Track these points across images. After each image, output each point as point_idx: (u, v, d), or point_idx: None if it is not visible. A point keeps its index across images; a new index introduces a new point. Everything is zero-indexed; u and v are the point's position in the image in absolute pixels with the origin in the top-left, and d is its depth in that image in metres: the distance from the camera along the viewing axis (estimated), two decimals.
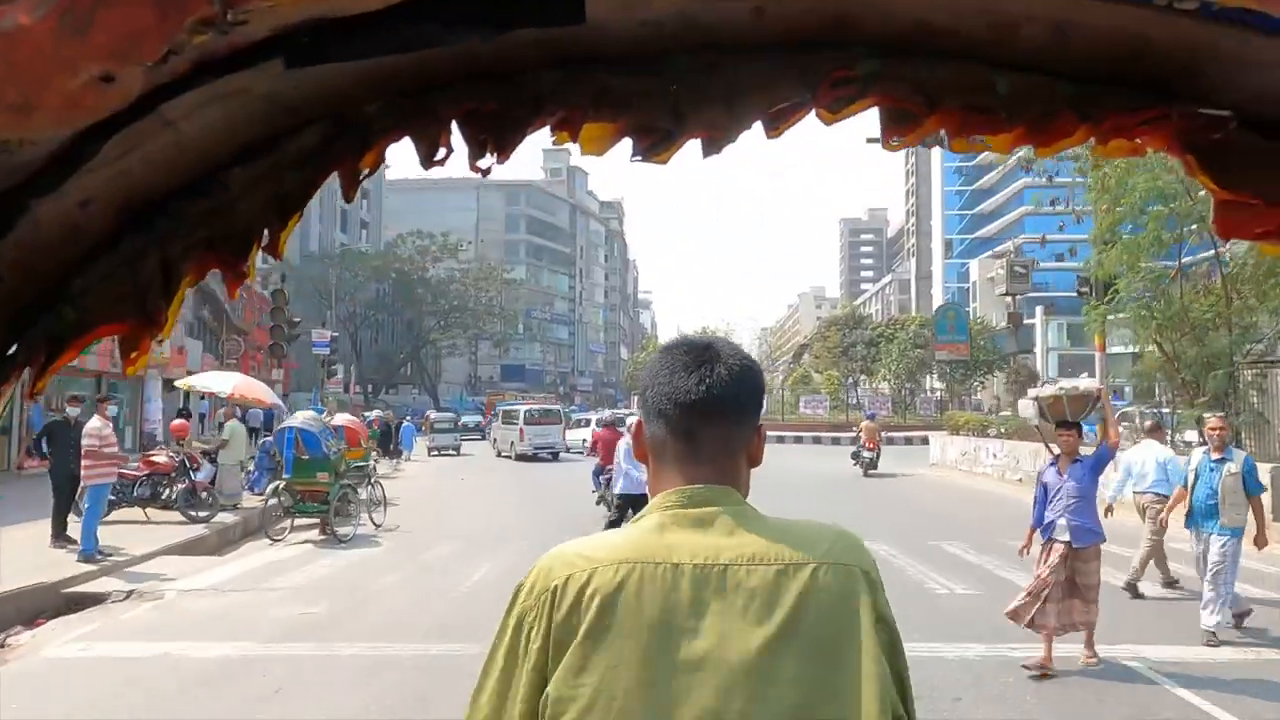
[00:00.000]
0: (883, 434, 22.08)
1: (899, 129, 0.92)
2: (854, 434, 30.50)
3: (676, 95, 0.83)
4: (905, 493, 17.00)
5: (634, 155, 0.81)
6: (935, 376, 41.31)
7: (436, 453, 31.16)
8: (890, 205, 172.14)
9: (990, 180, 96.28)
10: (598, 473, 13.79)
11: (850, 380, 53.36)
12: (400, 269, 65.13)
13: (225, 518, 11.48)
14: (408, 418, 34.18)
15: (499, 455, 29.10)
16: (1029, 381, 29.07)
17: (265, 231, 0.78)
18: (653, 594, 0.92)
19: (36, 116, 0.67)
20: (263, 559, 9.79)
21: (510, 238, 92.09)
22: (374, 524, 12.05)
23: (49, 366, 0.84)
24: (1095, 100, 0.89)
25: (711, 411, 1.02)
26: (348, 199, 0.79)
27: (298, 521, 11.15)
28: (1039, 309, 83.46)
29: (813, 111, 0.94)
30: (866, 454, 20.16)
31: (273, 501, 10.79)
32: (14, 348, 0.80)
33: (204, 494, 11.40)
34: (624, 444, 9.52)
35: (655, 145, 0.81)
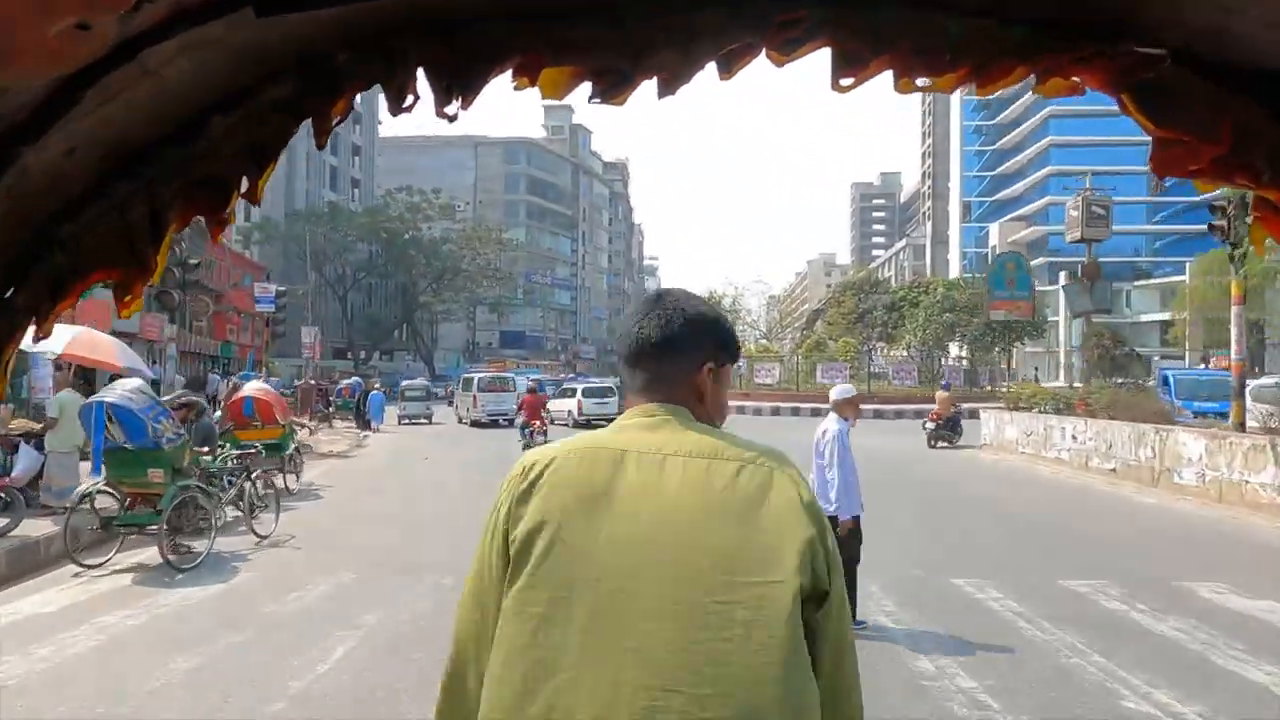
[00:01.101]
0: (957, 406, 19.04)
1: (847, 70, 0.96)
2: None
3: (633, 42, 0.89)
4: (1014, 492, 13.62)
5: (591, 97, 0.88)
6: (964, 343, 37.58)
7: (408, 421, 29.31)
8: (904, 169, 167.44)
9: (1013, 140, 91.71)
10: (523, 427, 18.67)
11: (867, 348, 49.82)
12: (390, 228, 61.43)
13: (39, 527, 8.09)
14: (376, 385, 30.86)
15: (459, 421, 29.10)
16: (1113, 346, 25.60)
17: (244, 179, 0.82)
18: (597, 465, 1.14)
19: (14, 65, 0.68)
20: (33, 606, 6.42)
21: (510, 198, 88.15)
22: (256, 536, 8.66)
23: (52, 310, 0.90)
24: (1040, 44, 0.93)
25: (646, 350, 1.24)
26: (320, 145, 0.85)
27: (133, 536, 7.75)
28: (1062, 274, 79.54)
29: (764, 53, 1.00)
30: (932, 426, 18.02)
31: (84, 510, 7.37)
32: (10, 293, 0.84)
33: (1, 494, 8.02)
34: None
35: (611, 88, 0.87)
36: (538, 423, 19.03)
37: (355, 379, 35.92)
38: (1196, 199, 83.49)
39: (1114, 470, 12.81)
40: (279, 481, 10.76)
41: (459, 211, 68.71)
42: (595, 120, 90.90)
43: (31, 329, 0.95)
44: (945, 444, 18.34)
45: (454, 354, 79.05)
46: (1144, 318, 78.45)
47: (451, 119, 0.90)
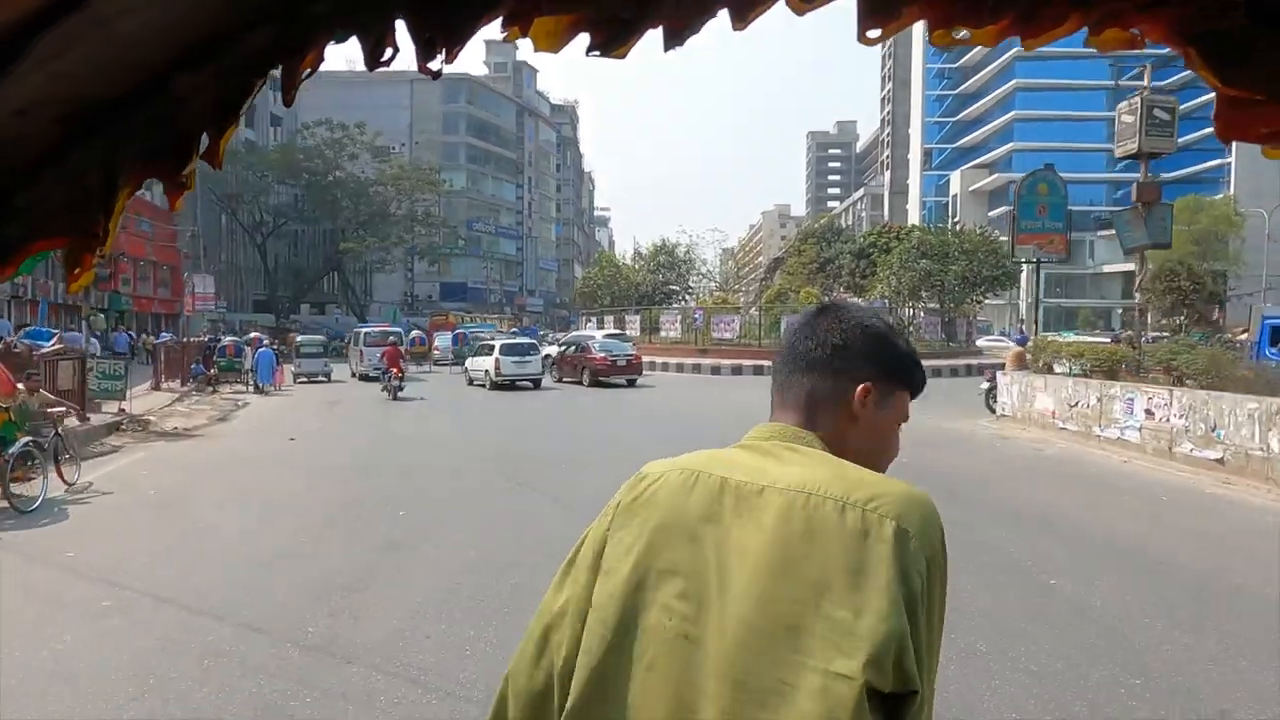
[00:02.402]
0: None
1: (877, 19, 0.84)
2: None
3: None
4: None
5: (590, 50, 0.78)
6: (938, 294, 34.14)
7: (305, 380, 27.15)
8: (860, 118, 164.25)
9: (976, 84, 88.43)
10: (384, 373, 21.61)
11: (830, 298, 46.38)
12: (311, 167, 55.70)
13: None
14: (265, 342, 26.59)
15: (351, 375, 28.54)
16: (1189, 289, 22.11)
17: (204, 137, 0.77)
18: (698, 494, 1.04)
19: None
20: None
21: (448, 140, 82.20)
22: None
23: None
24: None
25: (795, 365, 1.14)
26: (288, 102, 0.79)
27: None
28: (982, 237, 77.35)
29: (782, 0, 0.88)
30: (987, 385, 15.32)
31: None
32: None
33: None
34: None
35: (613, 38, 0.78)
36: (395, 370, 21.38)
37: (256, 333, 31.40)
38: None
39: (1221, 461, 9.26)
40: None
41: (394, 154, 63.10)
42: (541, 59, 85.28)
43: None
44: (994, 403, 15.04)
45: (391, 307, 73.81)
46: (1106, 269, 76.73)
47: (435, 75, 0.80)
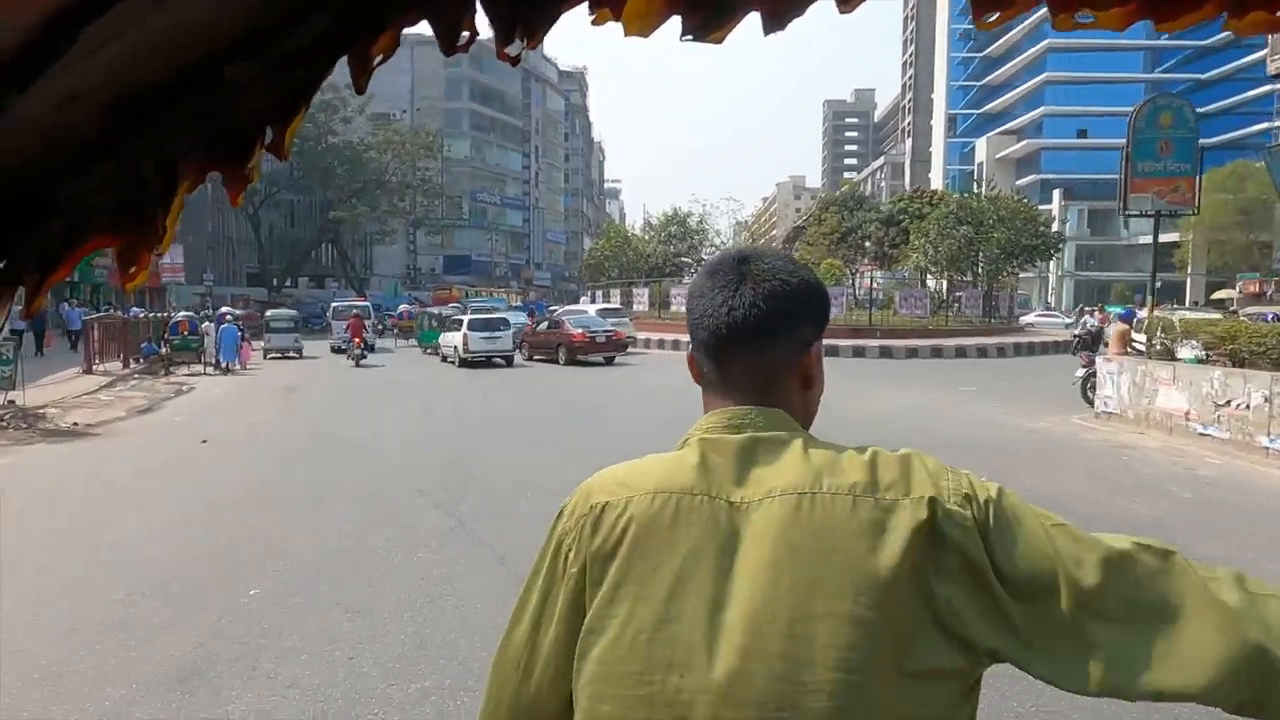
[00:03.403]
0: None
1: (994, 3, 0.80)
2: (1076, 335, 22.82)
3: None
4: None
5: (684, 34, 0.73)
6: (980, 264, 30.88)
7: (276, 355, 26.57)
8: (879, 86, 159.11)
9: (1003, 46, 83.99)
10: (348, 344, 23.87)
11: (854, 270, 43.20)
12: (302, 132, 52.66)
13: None
14: (229, 318, 23.99)
15: (332, 351, 28.10)
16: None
17: (268, 129, 0.72)
18: (687, 526, 0.88)
19: None
20: None
21: (451, 105, 78.79)
22: None
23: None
24: None
25: (738, 337, 0.96)
26: (359, 90, 0.74)
27: None
28: (1056, 193, 73.21)
29: None
30: (1083, 373, 12.48)
31: None
32: (3, 264, 0.75)
33: None
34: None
35: (710, 20, 0.72)
36: (357, 340, 23.24)
37: (226, 308, 28.69)
38: (1200, 110, 77.68)
39: None
40: None
41: (394, 120, 59.88)
42: None
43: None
44: (1093, 394, 12.17)
45: (392, 281, 71.06)
46: (1142, 239, 72.76)
47: (514, 61, 0.75)
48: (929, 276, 31.81)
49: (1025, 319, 35.82)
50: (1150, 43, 77.55)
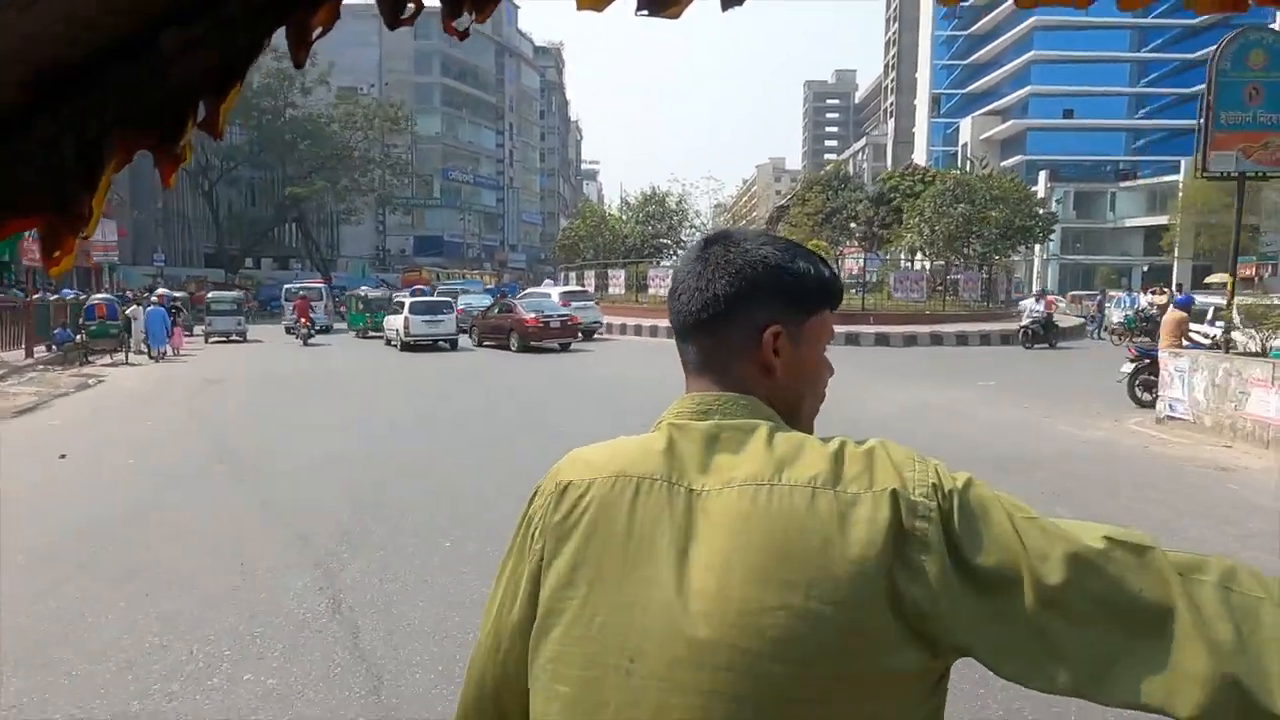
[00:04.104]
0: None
1: None
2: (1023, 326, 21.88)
3: None
4: None
5: (639, 9, 0.69)
6: (978, 245, 29.00)
7: (219, 339, 25.55)
8: (860, 67, 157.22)
9: (989, 23, 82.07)
10: (295, 324, 24.73)
11: (840, 251, 41.29)
12: (259, 104, 49.66)
13: None
14: (152, 301, 21.78)
15: (287, 332, 27.17)
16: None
17: (201, 104, 0.67)
18: (645, 512, 0.86)
19: None
20: None
21: (421, 80, 75.84)
22: None
23: None
24: None
25: (695, 319, 0.94)
26: (298, 63, 0.70)
27: None
28: (1042, 174, 71.64)
29: None
30: (1131, 368, 10.79)
31: None
32: None
33: None
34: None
35: None
36: (304, 320, 24.07)
37: (162, 290, 26.25)
38: (1186, 91, 76.05)
39: None
40: None
41: (361, 95, 56.92)
42: None
43: None
44: (1146, 394, 10.49)
45: (359, 262, 68.36)
46: (1128, 222, 71.52)
47: (462, 35, 0.70)
48: (924, 258, 29.85)
49: (1024, 303, 34.12)
50: (1137, 21, 76.00)
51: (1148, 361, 10.49)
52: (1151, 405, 10.02)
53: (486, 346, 22.53)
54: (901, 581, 0.76)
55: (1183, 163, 61.84)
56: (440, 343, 22.27)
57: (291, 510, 6.45)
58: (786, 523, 0.80)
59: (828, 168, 63.63)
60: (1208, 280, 51.25)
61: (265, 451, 8.80)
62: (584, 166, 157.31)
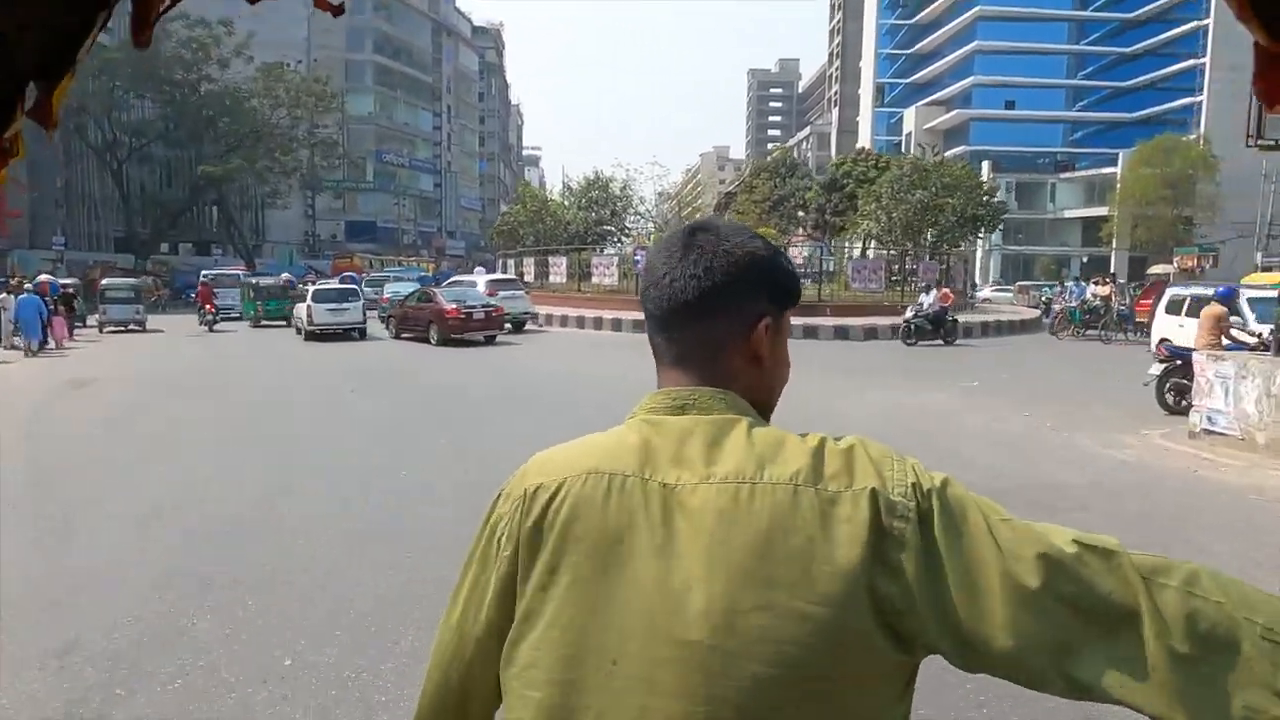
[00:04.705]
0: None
1: None
2: (906, 321, 19.83)
3: None
4: None
5: None
6: (935, 233, 27.86)
7: (117, 329, 24.11)
8: (803, 56, 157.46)
9: (933, 12, 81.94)
10: (201, 310, 24.52)
11: (789, 239, 40.02)
12: (170, 76, 46.04)
13: None
14: (27, 288, 19.44)
15: (200, 323, 25.72)
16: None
17: (30, 89, 0.60)
18: (623, 510, 0.83)
19: None
20: None
21: (352, 57, 72.30)
22: None
23: None
24: None
25: (679, 310, 0.92)
26: (140, 43, 0.63)
27: None
28: (985, 164, 71.69)
29: None
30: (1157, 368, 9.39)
31: None
32: None
33: None
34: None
35: None
36: (208, 306, 24.32)
37: (45, 276, 23.52)
38: (1124, 84, 77.12)
39: None
40: None
41: (288, 71, 53.39)
42: None
43: None
44: (1179, 401, 9.08)
45: (287, 248, 64.85)
46: (1068, 214, 72.14)
47: (337, 11, 0.65)
48: (880, 246, 28.60)
49: (982, 294, 33.27)
50: (1075, 13, 76.69)
51: (1179, 363, 9.12)
52: (1184, 413, 8.63)
53: (405, 339, 20.81)
54: (880, 580, 0.76)
55: (1121, 155, 62.49)
56: (351, 332, 21.51)
57: (90, 583, 4.53)
58: (770, 521, 0.79)
59: (775, 154, 62.42)
60: (1150, 271, 51.60)
61: (93, 491, 6.78)
62: (526, 152, 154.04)
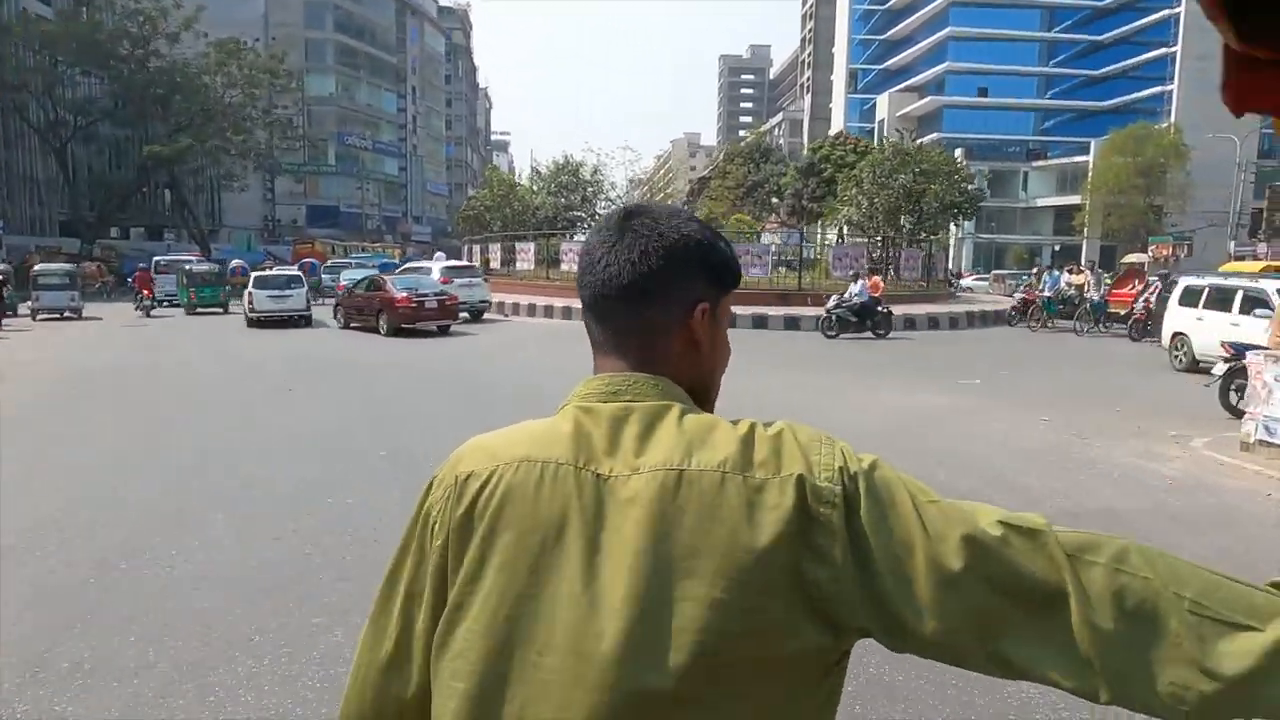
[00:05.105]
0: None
1: None
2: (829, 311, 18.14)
3: None
4: None
5: None
6: (916, 221, 26.88)
7: (51, 316, 23.35)
8: (775, 42, 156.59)
9: None
10: (137, 295, 24.35)
11: (762, 226, 39.00)
12: (116, 51, 43.73)
13: None
14: None
15: (136, 310, 25.09)
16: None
17: None
18: (554, 498, 0.82)
19: None
20: None
21: (312, 35, 69.86)
22: None
23: None
24: None
25: (615, 295, 0.90)
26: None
27: None
28: (958, 152, 71.19)
29: None
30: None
31: None
32: None
33: None
34: None
35: None
36: (146, 292, 24.40)
37: None
38: (1095, 72, 77.07)
39: None
40: None
41: (245, 49, 51.06)
42: None
43: None
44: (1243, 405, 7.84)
45: (245, 233, 62.61)
46: (1040, 202, 71.96)
47: None
48: (855, 232, 27.57)
49: (965, 283, 32.47)
50: (1049, 0, 76.32)
51: (1244, 364, 8.14)
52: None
53: (354, 328, 19.60)
54: (807, 566, 0.77)
55: (1093, 144, 62.29)
56: (297, 319, 20.87)
57: None
58: (697, 511, 0.79)
59: (748, 138, 61.38)
60: (1124, 260, 51.42)
61: None
62: (494, 138, 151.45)
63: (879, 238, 25.55)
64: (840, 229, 29.20)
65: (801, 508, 0.77)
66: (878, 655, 3.24)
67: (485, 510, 0.83)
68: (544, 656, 0.79)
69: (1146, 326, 17.12)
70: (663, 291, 0.89)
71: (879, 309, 17.72)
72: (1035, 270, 22.92)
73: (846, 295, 17.97)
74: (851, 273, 20.20)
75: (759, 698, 0.77)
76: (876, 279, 18.69)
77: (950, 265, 49.51)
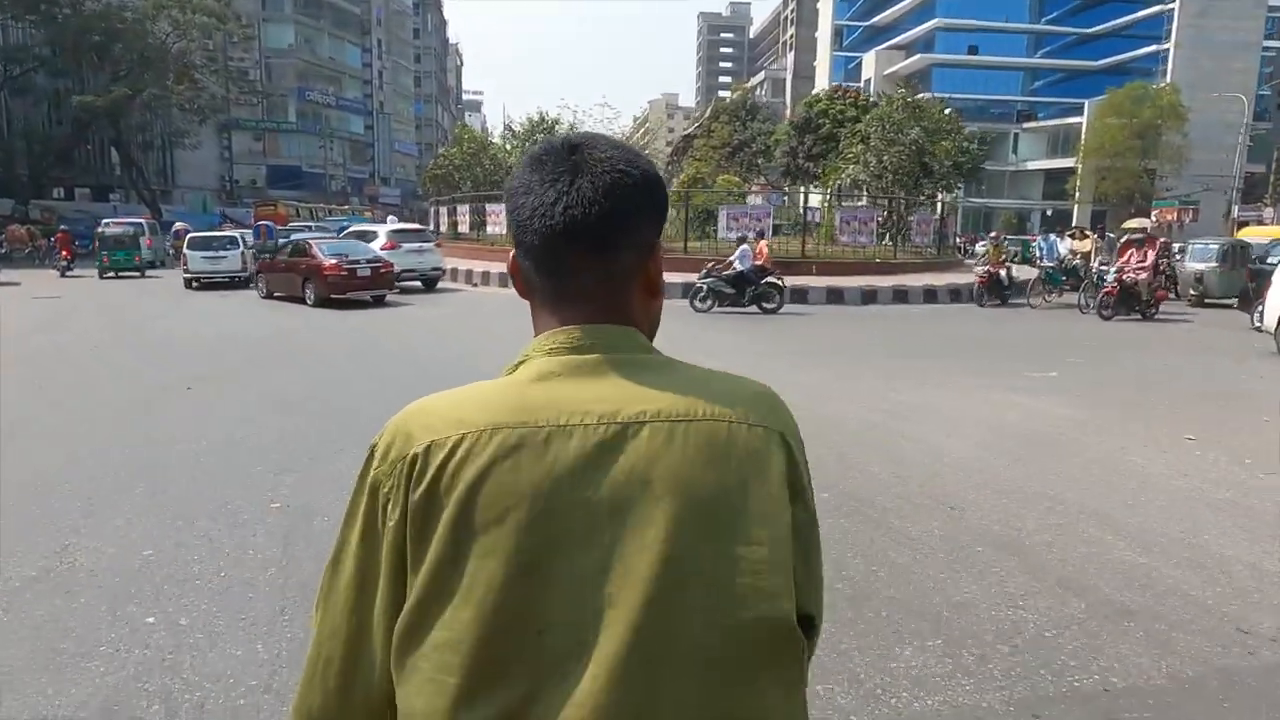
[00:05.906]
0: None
1: None
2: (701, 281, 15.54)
3: None
4: None
5: None
6: (934, 183, 24.59)
7: None
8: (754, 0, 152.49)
9: None
10: (58, 257, 24.56)
11: (749, 188, 36.58)
12: None
13: None
14: None
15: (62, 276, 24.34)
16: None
17: None
18: (533, 465, 0.76)
19: None
20: None
21: None
22: None
23: None
24: None
25: (576, 237, 0.81)
26: None
27: None
28: (947, 113, 68.96)
29: None
30: None
31: None
32: None
33: None
34: None
35: None
36: (65, 253, 24.54)
37: None
38: (1086, 30, 74.57)
39: None
40: None
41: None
42: None
43: None
44: None
45: (200, 194, 59.11)
46: (1030, 165, 69.90)
47: None
48: (859, 193, 25.25)
49: (978, 248, 30.29)
50: None
51: None
52: None
53: (277, 298, 17.28)
54: (797, 510, 0.81)
55: (1087, 104, 60.19)
56: (234, 278, 20.56)
57: None
58: (711, 460, 0.77)
59: (734, 94, 58.51)
60: (1125, 225, 49.66)
61: None
62: (466, 97, 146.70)
63: (881, 199, 23.18)
64: (837, 191, 26.84)
65: (790, 459, 0.80)
66: None
67: (455, 485, 0.75)
68: (545, 636, 0.73)
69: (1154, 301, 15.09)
70: (628, 233, 0.82)
71: (765, 279, 14.77)
72: (994, 237, 19.63)
73: (722, 263, 15.23)
74: (737, 235, 17.21)
75: (773, 653, 0.77)
76: (763, 244, 15.47)
77: (959, 228, 47.34)
